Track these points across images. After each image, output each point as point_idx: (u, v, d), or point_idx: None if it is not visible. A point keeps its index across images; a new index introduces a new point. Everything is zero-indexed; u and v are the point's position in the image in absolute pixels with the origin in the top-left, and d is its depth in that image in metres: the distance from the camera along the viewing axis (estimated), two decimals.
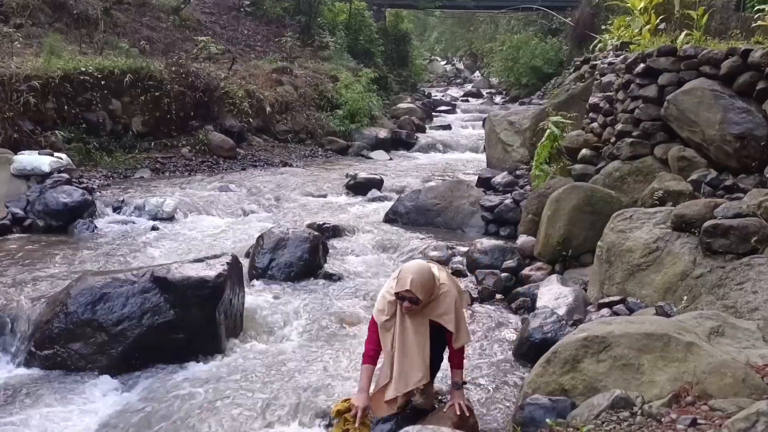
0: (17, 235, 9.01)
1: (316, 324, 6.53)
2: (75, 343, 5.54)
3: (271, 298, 7.09)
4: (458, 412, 3.78)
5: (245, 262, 7.70)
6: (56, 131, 11.91)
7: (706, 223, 5.70)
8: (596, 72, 10.64)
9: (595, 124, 9.43)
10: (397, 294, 3.93)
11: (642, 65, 8.19)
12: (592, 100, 9.80)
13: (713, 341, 4.06)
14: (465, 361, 4.31)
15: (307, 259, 7.82)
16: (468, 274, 7.95)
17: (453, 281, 4.15)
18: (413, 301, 3.86)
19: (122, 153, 13.14)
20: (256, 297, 7.05)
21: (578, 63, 14.03)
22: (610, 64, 9.73)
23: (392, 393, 3.98)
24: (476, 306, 7.04)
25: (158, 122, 14.11)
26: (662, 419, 3.26)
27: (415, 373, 3.91)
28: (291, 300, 7.07)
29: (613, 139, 8.71)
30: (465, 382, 4.10)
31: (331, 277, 7.74)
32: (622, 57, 9.15)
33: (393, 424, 4.18)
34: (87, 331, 5.57)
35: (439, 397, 4.56)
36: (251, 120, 16.13)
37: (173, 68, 14.67)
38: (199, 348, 5.74)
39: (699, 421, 3.18)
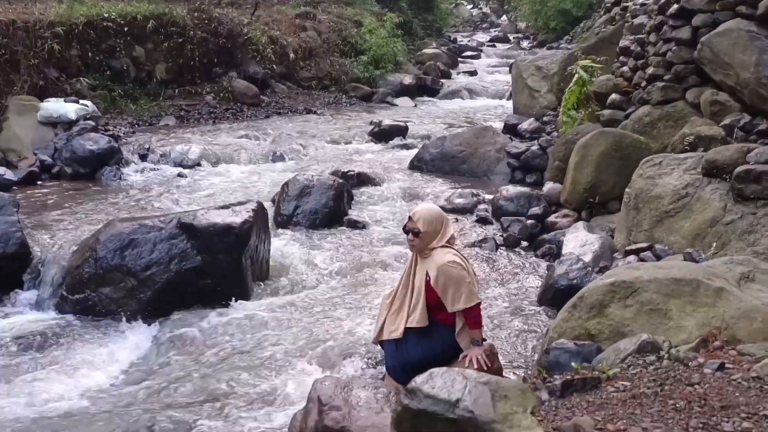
0: (46, 182, 9.12)
1: (340, 270, 6.58)
2: (105, 287, 5.64)
3: (297, 245, 7.14)
4: (475, 366, 3.76)
5: (270, 210, 7.73)
6: (81, 78, 11.91)
7: (738, 169, 5.58)
8: (627, 14, 10.31)
9: (625, 68, 9.18)
10: (404, 228, 3.97)
11: (675, 6, 7.89)
12: (623, 43, 9.52)
13: (743, 287, 4.01)
14: (484, 310, 4.24)
15: (331, 207, 7.84)
16: (493, 221, 7.92)
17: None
18: (415, 233, 3.88)
19: (147, 100, 13.13)
20: (282, 243, 7.10)
21: (609, 5, 13.64)
22: (642, 5, 9.41)
23: (388, 328, 4.03)
24: (501, 253, 7.03)
25: (182, 69, 14.03)
26: (689, 363, 3.24)
27: (413, 316, 3.93)
28: (316, 247, 7.12)
29: (643, 84, 8.48)
30: (485, 339, 4.07)
31: (355, 225, 7.76)
32: None
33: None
34: (116, 276, 5.66)
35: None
36: (275, 67, 15.98)
37: (196, 14, 14.49)
38: (226, 293, 5.82)
39: (727, 365, 3.16)
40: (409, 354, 3.93)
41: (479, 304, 3.91)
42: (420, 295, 3.91)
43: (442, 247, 3.93)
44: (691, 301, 3.77)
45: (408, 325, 3.95)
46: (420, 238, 3.88)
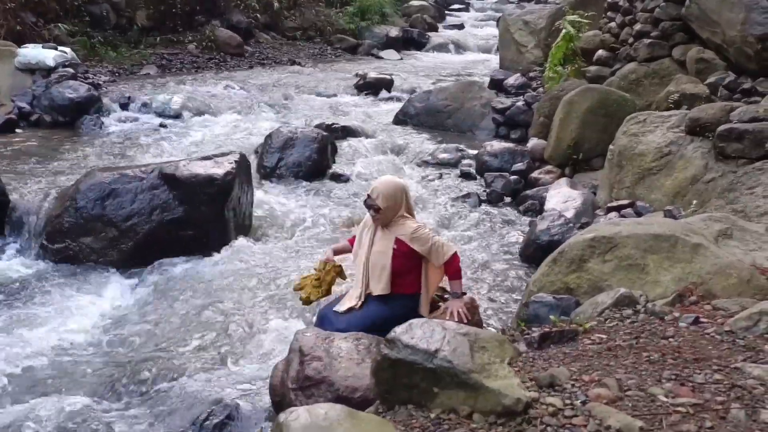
0: (24, 130, 8.97)
1: (322, 223, 6.58)
2: (86, 237, 5.61)
3: (280, 198, 7.12)
4: (455, 319, 3.78)
5: (253, 161, 7.68)
6: (59, 24, 11.65)
7: (721, 127, 5.57)
8: None
9: (613, 24, 9.11)
10: (365, 203, 3.95)
11: None
12: None
13: (721, 243, 4.05)
14: (465, 265, 4.26)
15: (315, 159, 7.80)
16: (477, 176, 7.92)
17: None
18: (375, 209, 3.86)
19: (127, 48, 12.88)
20: (265, 196, 7.07)
21: None
22: None
23: (351, 301, 4.00)
24: (484, 208, 7.05)
25: (163, 16, 13.76)
26: (665, 317, 3.29)
27: (375, 284, 3.93)
28: (299, 199, 7.10)
29: (630, 40, 8.43)
30: (464, 293, 4.09)
31: (339, 178, 7.73)
32: None
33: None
34: (97, 226, 5.63)
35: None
36: (258, 16, 15.71)
37: None
38: (208, 244, 5.81)
39: (701, 319, 3.20)
40: (369, 311, 3.91)
41: (456, 253, 3.93)
42: (386, 265, 3.88)
43: (404, 217, 3.92)
44: (669, 256, 3.80)
45: (374, 293, 3.92)
46: (382, 213, 3.86)
